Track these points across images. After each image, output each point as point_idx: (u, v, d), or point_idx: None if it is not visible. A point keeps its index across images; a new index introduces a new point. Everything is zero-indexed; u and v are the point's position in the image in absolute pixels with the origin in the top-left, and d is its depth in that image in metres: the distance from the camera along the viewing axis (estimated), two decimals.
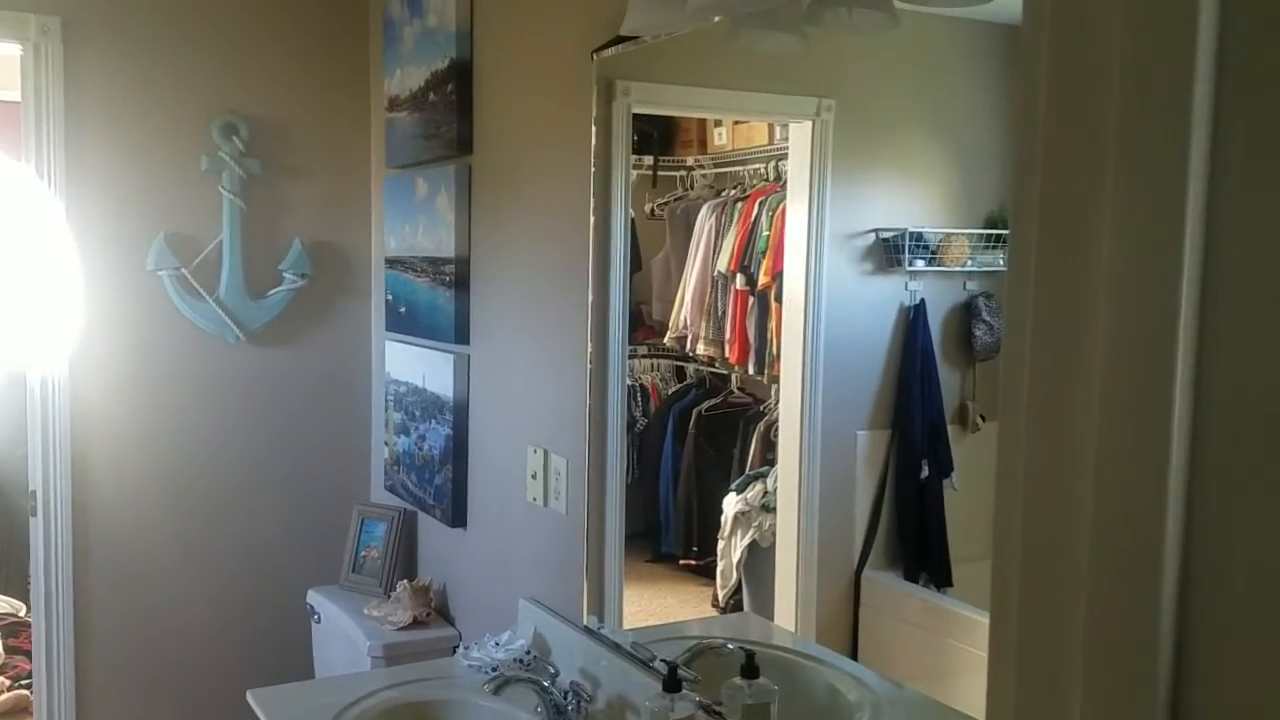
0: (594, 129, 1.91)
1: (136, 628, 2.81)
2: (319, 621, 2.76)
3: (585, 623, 1.98)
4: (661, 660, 1.77)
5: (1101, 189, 0.55)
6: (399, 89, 2.68)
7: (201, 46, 2.78)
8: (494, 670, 2.01)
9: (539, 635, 2.09)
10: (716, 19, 1.58)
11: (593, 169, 1.92)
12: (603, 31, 1.88)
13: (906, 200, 1.88)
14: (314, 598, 2.78)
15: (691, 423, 2.42)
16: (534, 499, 2.17)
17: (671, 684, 1.65)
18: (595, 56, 1.89)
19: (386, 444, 2.86)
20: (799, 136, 1.87)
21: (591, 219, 1.93)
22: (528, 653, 2.03)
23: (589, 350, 1.97)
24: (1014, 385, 0.63)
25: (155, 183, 2.75)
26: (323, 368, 2.98)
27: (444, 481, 2.50)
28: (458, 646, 2.49)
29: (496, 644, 2.07)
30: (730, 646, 1.80)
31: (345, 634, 2.59)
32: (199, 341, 2.82)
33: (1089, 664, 0.57)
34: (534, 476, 2.16)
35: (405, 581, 2.59)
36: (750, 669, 1.60)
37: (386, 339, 2.85)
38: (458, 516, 2.48)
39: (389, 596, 2.62)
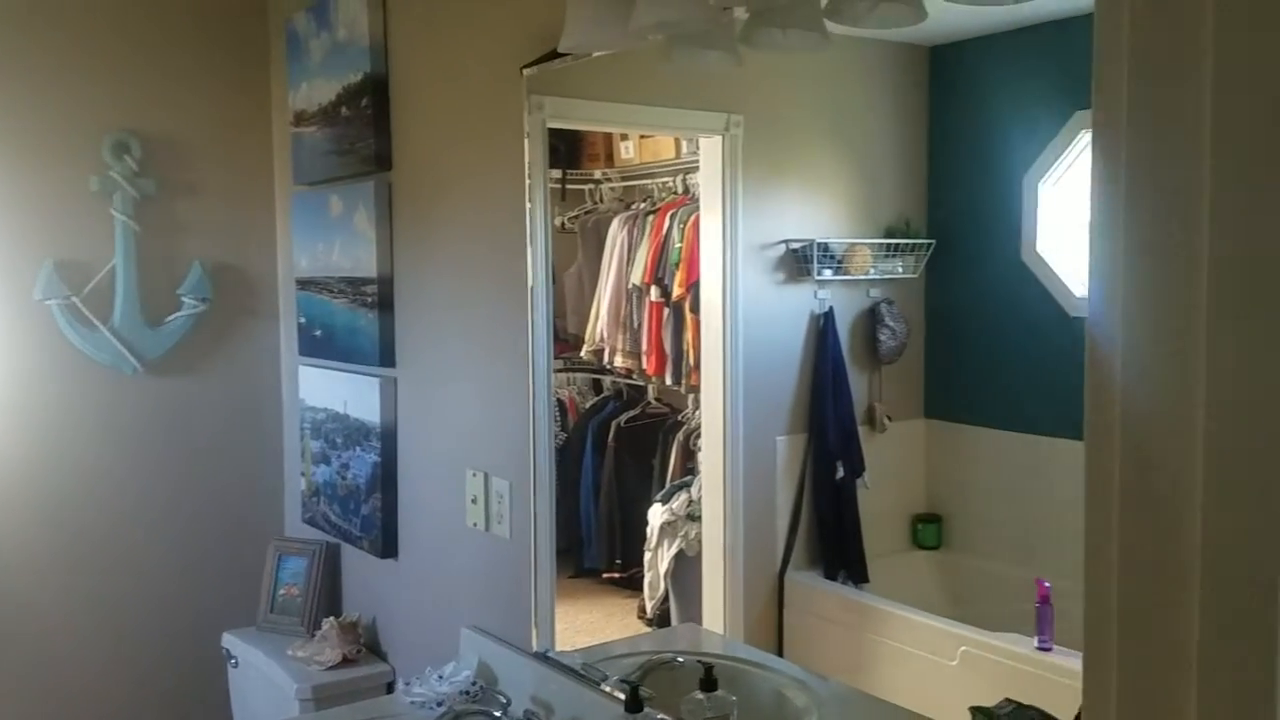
0: (526, 144, 1.90)
1: (32, 694, 2.65)
2: (236, 665, 2.65)
3: (535, 648, 1.95)
4: (621, 681, 1.75)
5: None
6: (306, 103, 2.60)
7: (89, 61, 2.64)
8: (440, 705, 1.97)
9: (484, 664, 2.04)
10: (653, 37, 1.61)
11: (528, 182, 1.90)
12: (531, 47, 1.87)
13: (813, 212, 1.97)
14: (230, 641, 2.66)
15: (610, 435, 2.44)
16: (475, 524, 2.12)
17: (634, 704, 1.65)
18: (524, 72, 1.88)
19: (303, 474, 2.77)
20: (710, 151, 1.93)
21: (528, 233, 1.91)
22: (474, 684, 1.99)
23: (530, 367, 1.94)
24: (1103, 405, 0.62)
25: (42, 206, 2.60)
26: (229, 397, 2.86)
27: (372, 511, 2.43)
28: (393, 683, 2.44)
29: (440, 677, 2.01)
30: (680, 660, 1.82)
31: (267, 678, 2.48)
32: (93, 374, 2.68)
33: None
34: (474, 501, 2.12)
35: (331, 619, 2.50)
36: (709, 682, 1.61)
37: (300, 364, 2.75)
38: (388, 547, 2.41)
39: (313, 635, 2.53)
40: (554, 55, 1.79)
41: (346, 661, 2.45)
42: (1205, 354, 0.57)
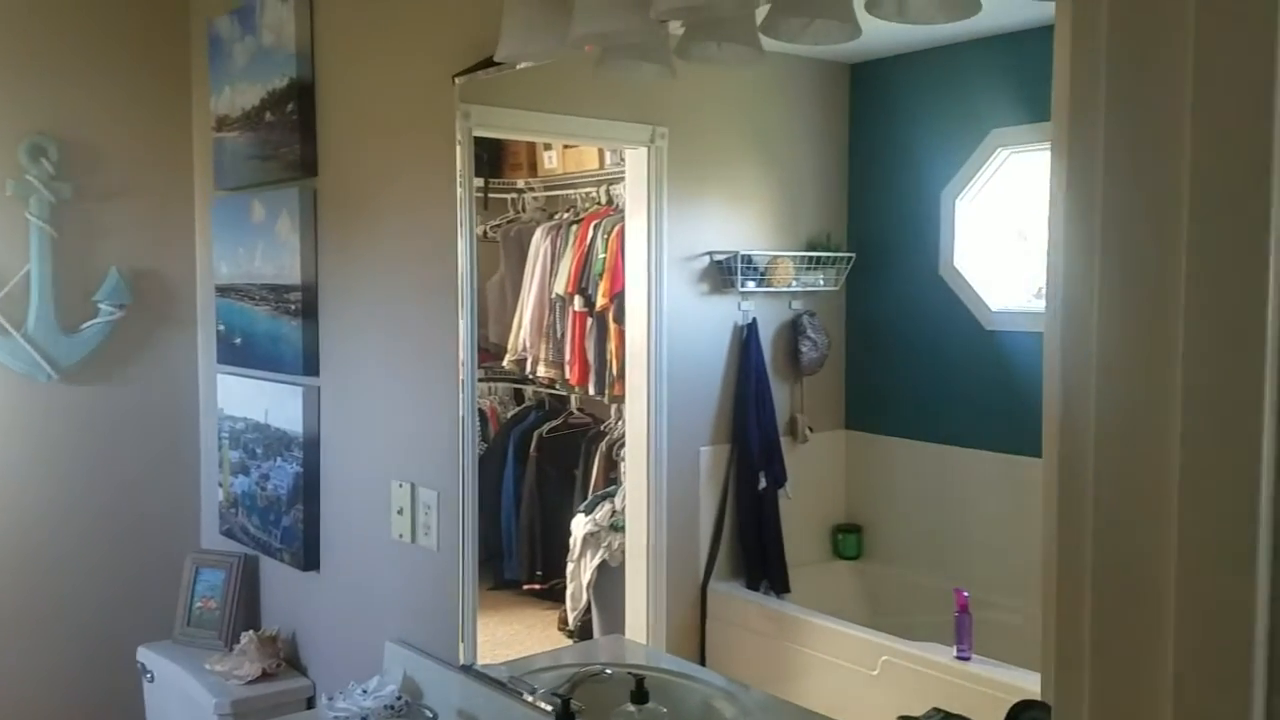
0: (459, 152, 1.90)
1: None
2: (152, 680, 2.60)
3: (462, 660, 1.94)
4: (550, 694, 1.75)
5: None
6: (228, 107, 2.57)
7: (5, 63, 2.57)
8: (364, 719, 1.97)
9: (409, 678, 2.02)
10: (589, 48, 1.64)
11: (459, 191, 1.90)
12: (463, 55, 1.87)
13: (737, 224, 2.02)
14: (145, 655, 2.61)
15: (532, 446, 2.44)
16: (400, 535, 2.11)
17: (565, 718, 1.67)
18: (456, 80, 1.88)
19: (221, 485, 2.72)
20: (635, 162, 1.95)
21: (460, 242, 1.91)
22: (399, 698, 1.97)
23: (461, 376, 1.94)
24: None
25: None
26: (146, 405, 2.81)
27: (293, 522, 2.40)
28: (314, 697, 2.41)
29: (364, 691, 1.99)
30: (609, 672, 1.82)
31: (185, 693, 2.44)
32: (6, 381, 2.60)
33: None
34: (400, 512, 2.10)
35: (250, 632, 2.46)
36: (640, 694, 1.61)
37: (219, 372, 2.71)
38: (310, 559, 2.38)
39: (232, 649, 2.49)
40: (487, 64, 1.79)
41: (266, 676, 2.41)
42: (1181, 369, 0.57)
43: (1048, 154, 2.11)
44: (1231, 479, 0.56)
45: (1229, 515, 0.56)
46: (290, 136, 2.34)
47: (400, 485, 2.11)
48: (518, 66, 1.75)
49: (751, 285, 1.97)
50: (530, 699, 1.79)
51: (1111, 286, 0.60)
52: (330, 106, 2.30)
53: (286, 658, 2.50)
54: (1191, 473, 0.57)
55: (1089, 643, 0.63)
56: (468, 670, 1.93)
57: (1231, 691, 0.56)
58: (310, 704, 2.42)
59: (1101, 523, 0.61)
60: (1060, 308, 0.64)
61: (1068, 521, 0.63)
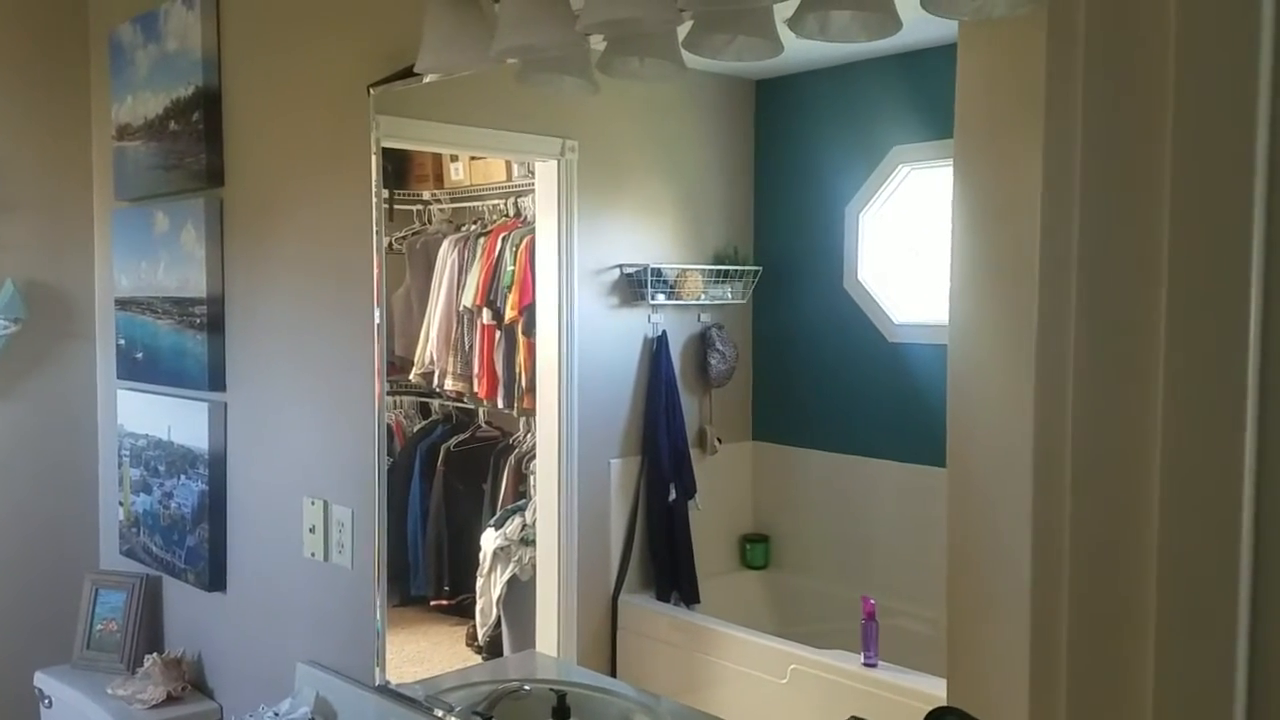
0: (374, 162, 1.92)
1: None
2: (50, 706, 2.53)
3: (378, 680, 1.96)
4: (471, 712, 1.77)
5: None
6: (130, 116, 2.55)
7: None
8: None
9: (322, 699, 2.04)
10: (511, 61, 1.63)
11: (374, 201, 1.92)
12: (378, 65, 1.89)
13: (646, 238, 2.11)
14: (43, 680, 2.57)
15: (440, 460, 2.45)
16: (312, 554, 2.11)
17: None
18: (371, 91, 1.90)
19: (121, 504, 2.68)
20: (545, 175, 1.98)
21: (375, 255, 1.93)
22: (311, 718, 2.01)
23: (376, 390, 1.95)
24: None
25: None
26: (42, 421, 2.76)
27: (198, 542, 2.39)
28: None
29: (275, 714, 2.00)
30: (528, 688, 1.85)
31: (85, 718, 2.42)
32: None
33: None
34: (312, 530, 2.11)
35: (155, 655, 2.44)
36: (562, 710, 1.65)
37: (119, 388, 2.68)
38: (216, 579, 2.37)
39: (134, 672, 2.47)
40: (405, 74, 1.81)
41: (171, 699, 2.41)
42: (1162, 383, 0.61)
43: (947, 170, 2.32)
44: (1214, 494, 0.59)
45: (1212, 530, 0.60)
46: (195, 146, 2.34)
47: (313, 502, 2.12)
48: (447, 76, 1.77)
49: (661, 298, 2.06)
50: (449, 718, 1.82)
51: (1092, 291, 0.64)
52: (238, 115, 2.31)
53: (192, 680, 2.49)
54: (1172, 489, 0.60)
55: (1065, 667, 0.67)
56: (383, 690, 1.95)
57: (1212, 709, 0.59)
58: None
59: (1079, 542, 0.65)
60: (1037, 320, 0.68)
61: (1042, 543, 0.67)
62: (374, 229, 1.93)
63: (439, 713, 1.83)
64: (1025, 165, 1.06)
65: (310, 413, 2.14)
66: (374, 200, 1.92)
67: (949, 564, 1.18)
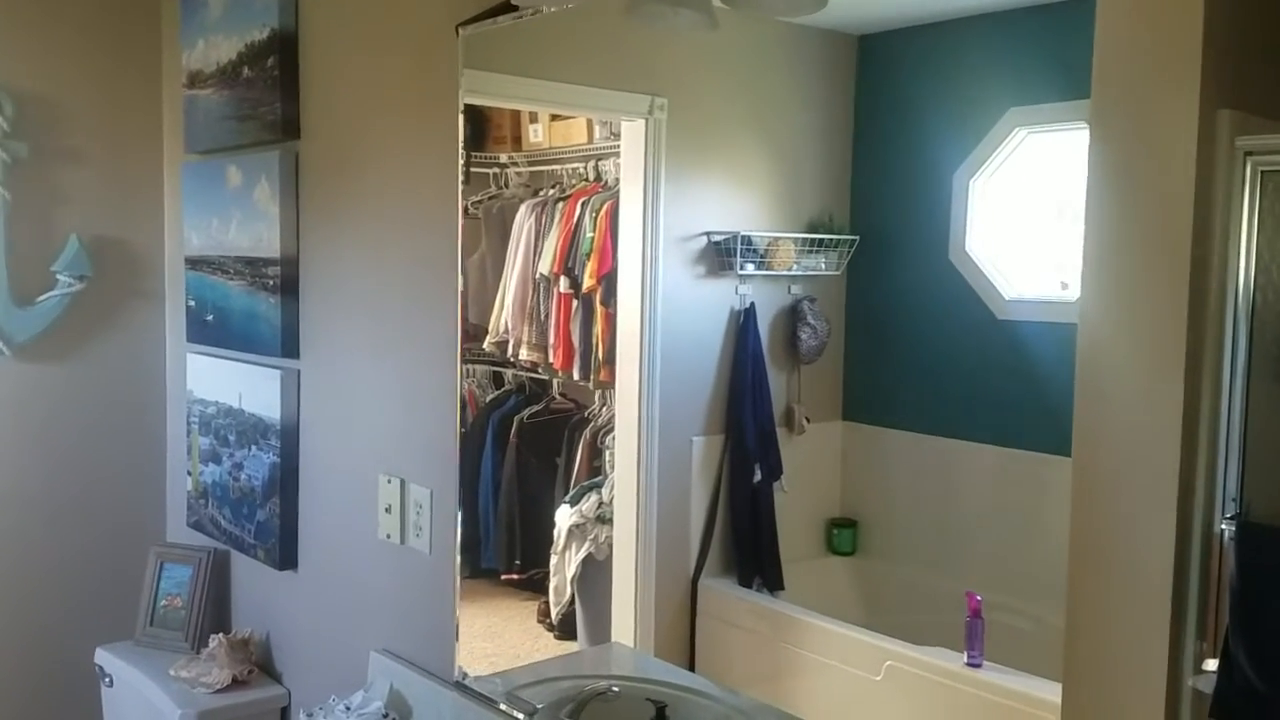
0: (459, 112, 2.01)
1: None
2: (110, 685, 2.80)
3: (456, 676, 2.07)
4: (564, 716, 1.86)
5: None
6: (202, 62, 2.78)
7: None
8: None
9: (396, 693, 2.15)
10: None
11: (459, 158, 2.02)
12: (467, 2, 1.99)
13: (736, 203, 2.21)
14: (104, 657, 2.81)
15: (513, 431, 2.67)
16: (388, 535, 2.25)
17: None
18: (460, 31, 2.00)
19: (190, 474, 2.96)
20: (632, 135, 2.14)
21: (458, 218, 2.05)
22: (386, 715, 2.11)
23: (458, 363, 2.08)
24: None
25: None
26: (108, 385, 3.05)
27: (269, 517, 2.61)
28: (288, 708, 2.60)
29: (347, 707, 2.13)
30: (616, 689, 1.95)
31: (147, 700, 2.62)
32: None
33: None
34: (388, 510, 2.24)
35: (220, 635, 2.63)
36: None
37: (189, 351, 2.94)
38: (287, 557, 2.58)
39: (199, 653, 2.67)
40: (497, 10, 1.89)
41: (237, 684, 2.57)
42: None
43: (1070, 134, 2.33)
44: None
45: None
46: (270, 95, 2.52)
47: (389, 481, 2.25)
48: (540, 11, 1.83)
49: (750, 268, 2.15)
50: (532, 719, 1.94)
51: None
52: (315, 61, 2.47)
53: (259, 663, 2.68)
54: None
55: None
56: (460, 687, 2.06)
57: None
58: (285, 715, 2.62)
59: None
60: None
61: None
62: (458, 189, 2.06)
63: (520, 716, 1.95)
64: (1173, 128, 1.08)
65: (387, 384, 2.30)
66: (459, 156, 2.04)
67: (1071, 559, 1.25)
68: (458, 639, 2.09)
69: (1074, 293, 2.35)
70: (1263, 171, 1.12)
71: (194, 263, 2.86)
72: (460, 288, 2.07)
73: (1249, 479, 1.13)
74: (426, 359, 2.15)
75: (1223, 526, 1.14)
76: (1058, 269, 2.01)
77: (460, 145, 2.02)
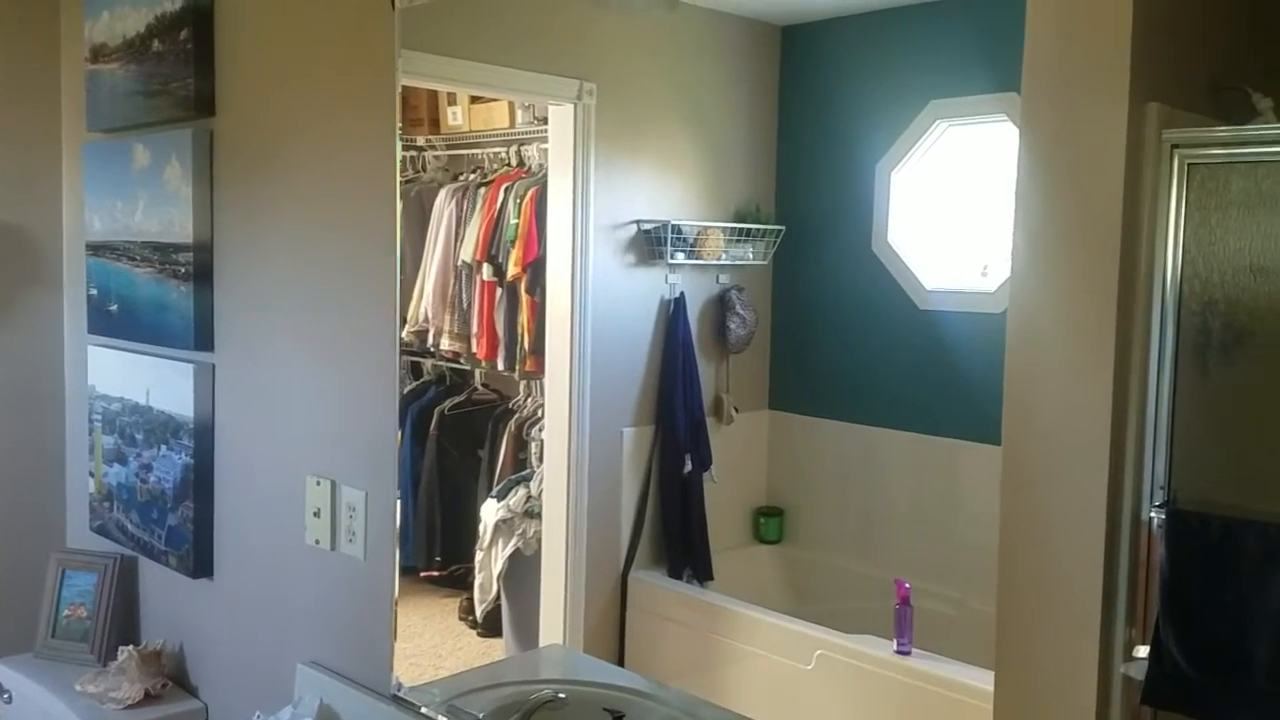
0: (396, 92, 1.97)
1: None
2: (9, 701, 2.73)
3: (392, 689, 2.03)
4: None
5: None
6: (107, 35, 2.72)
7: None
8: None
9: (327, 708, 2.10)
10: None
11: (396, 139, 1.97)
12: None
13: (666, 192, 2.24)
14: (2, 672, 2.73)
15: (433, 423, 2.67)
16: (317, 541, 2.20)
17: None
18: (397, 5, 1.95)
19: (92, 475, 2.91)
20: (560, 119, 2.17)
21: (398, 201, 1.99)
22: None
23: (397, 355, 2.03)
24: None
25: None
26: (2, 380, 2.96)
27: (181, 521, 2.55)
28: None
29: None
30: (562, 695, 1.93)
31: (51, 717, 2.55)
32: None
33: None
34: (316, 514, 2.19)
35: (130, 647, 2.57)
36: None
37: (90, 344, 2.88)
38: (201, 564, 2.52)
39: (107, 666, 2.60)
40: None
41: (149, 698, 2.51)
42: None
43: (992, 126, 2.39)
44: None
45: None
46: (182, 69, 2.47)
47: (318, 483, 2.20)
48: None
49: (680, 257, 2.18)
50: None
51: None
52: (233, 34, 2.42)
53: (172, 676, 2.63)
54: None
55: None
56: (399, 700, 2.03)
57: None
58: None
59: None
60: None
61: None
62: (395, 172, 2.01)
63: None
64: (1103, 121, 1.11)
65: (316, 379, 2.25)
66: (396, 138, 1.99)
67: (1001, 547, 1.29)
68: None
69: (994, 280, 2.43)
70: (1189, 164, 1.17)
71: (96, 248, 2.81)
72: (399, 275, 2.00)
73: (1177, 467, 1.18)
74: (361, 351, 2.11)
75: (1152, 514, 1.18)
76: (978, 258, 2.07)
77: (398, 126, 1.98)
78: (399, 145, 1.99)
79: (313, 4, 2.20)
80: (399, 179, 2.01)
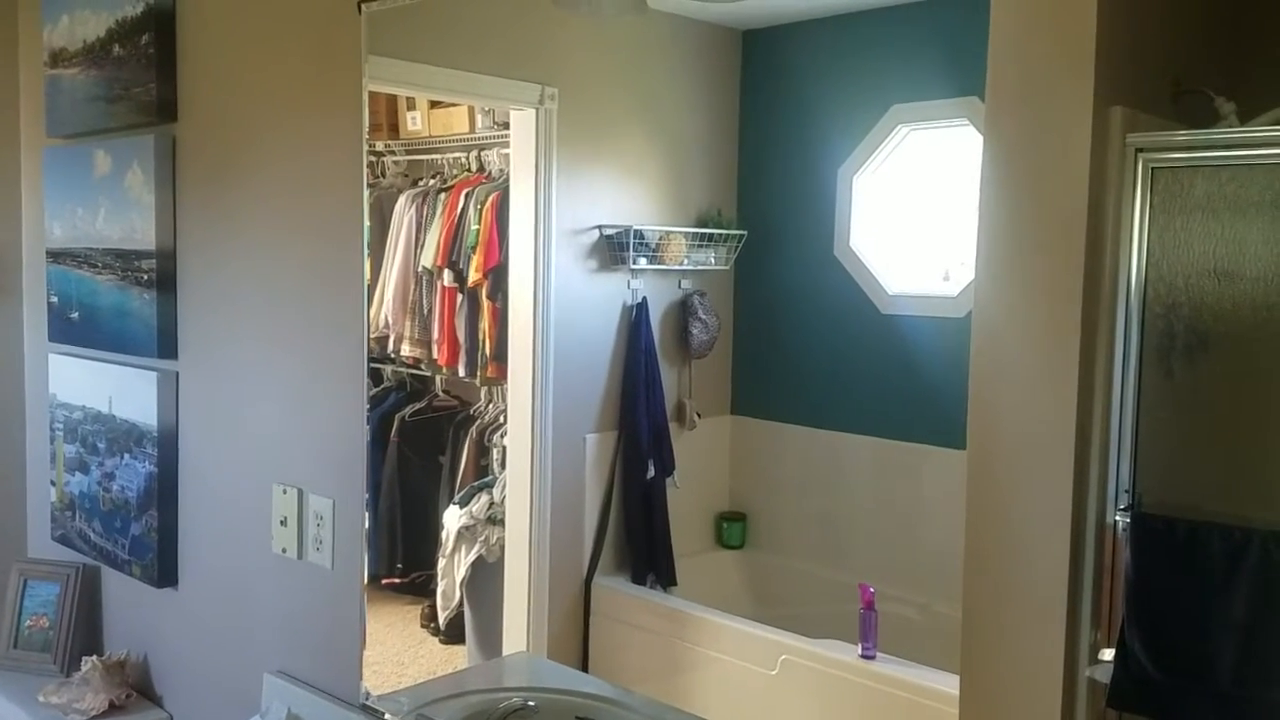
0: (363, 95, 1.95)
1: None
2: None
3: (361, 698, 2.02)
4: None
5: None
6: (66, 40, 2.69)
7: None
8: None
9: (295, 717, 2.09)
10: None
11: (362, 143, 1.95)
12: None
13: (627, 197, 2.23)
14: None
15: (393, 430, 2.66)
16: (284, 550, 2.18)
17: None
18: (363, 8, 1.93)
19: (54, 484, 2.88)
20: (522, 125, 2.15)
21: (366, 205, 1.97)
22: None
23: (365, 362, 2.01)
24: None
25: None
26: None
27: (145, 531, 2.53)
28: None
29: None
30: (532, 703, 1.90)
31: None
32: None
33: None
34: (283, 523, 2.17)
35: (94, 657, 2.55)
36: None
37: (51, 352, 2.85)
38: (166, 573, 2.49)
39: (70, 677, 2.58)
40: None
41: (114, 709, 2.49)
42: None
43: (954, 130, 2.39)
44: None
45: None
46: (144, 74, 2.44)
47: (285, 491, 2.18)
48: None
49: (643, 262, 2.17)
50: None
51: None
52: (196, 39, 2.39)
53: (136, 686, 2.61)
54: None
55: None
56: (367, 709, 2.02)
57: None
58: None
59: None
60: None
61: None
62: (363, 178, 1.99)
63: None
64: (1067, 125, 1.11)
65: (282, 387, 2.22)
66: (363, 143, 1.97)
67: (966, 551, 1.28)
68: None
69: (956, 284, 2.44)
70: (1153, 168, 1.17)
71: (56, 255, 2.77)
72: (367, 279, 1.99)
73: (1141, 470, 1.18)
74: (329, 356, 2.08)
75: (1117, 517, 1.18)
76: (940, 262, 2.07)
77: (365, 131, 1.95)
78: (365, 149, 1.96)
79: (277, 7, 2.17)
80: (365, 184, 1.97)
